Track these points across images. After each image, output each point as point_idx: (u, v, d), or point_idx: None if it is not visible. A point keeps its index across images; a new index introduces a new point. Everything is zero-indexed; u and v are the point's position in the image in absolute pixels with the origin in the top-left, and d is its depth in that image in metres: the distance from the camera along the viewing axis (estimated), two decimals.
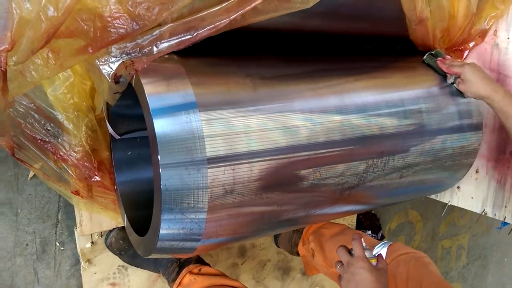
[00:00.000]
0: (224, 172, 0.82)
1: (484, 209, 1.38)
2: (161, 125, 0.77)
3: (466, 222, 2.58)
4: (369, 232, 2.05)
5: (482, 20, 1.29)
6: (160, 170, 0.76)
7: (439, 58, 1.20)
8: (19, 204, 1.22)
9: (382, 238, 2.14)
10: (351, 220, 1.94)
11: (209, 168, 0.80)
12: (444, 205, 1.53)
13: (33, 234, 1.25)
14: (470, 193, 1.41)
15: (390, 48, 1.33)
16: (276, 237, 1.64)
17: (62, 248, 1.30)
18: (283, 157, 0.88)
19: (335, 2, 1.01)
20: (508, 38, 1.30)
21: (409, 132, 1.11)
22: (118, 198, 1.12)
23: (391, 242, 1.18)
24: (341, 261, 0.90)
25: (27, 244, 1.25)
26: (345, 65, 1.08)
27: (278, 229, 1.04)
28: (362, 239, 0.91)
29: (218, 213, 0.85)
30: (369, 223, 2.07)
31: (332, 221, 1.47)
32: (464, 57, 1.38)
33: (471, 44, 1.36)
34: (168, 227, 0.83)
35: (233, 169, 0.82)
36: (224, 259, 1.56)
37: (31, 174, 1.21)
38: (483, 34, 1.33)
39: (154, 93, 0.79)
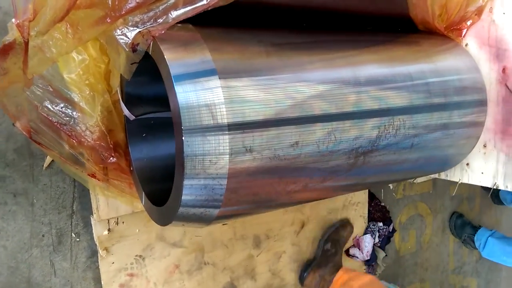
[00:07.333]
0: (243, 138, 0.83)
1: (496, 182, 1.39)
2: (183, 91, 0.79)
3: (476, 216, 2.57)
4: (381, 224, 2.05)
5: None
6: (183, 135, 0.78)
7: None
8: (35, 195, 1.23)
9: (393, 232, 2.14)
10: (363, 212, 1.94)
11: (229, 134, 0.82)
12: (454, 185, 1.55)
13: (49, 225, 1.25)
14: (480, 168, 1.43)
15: (391, 29, 1.37)
16: (302, 278, 1.71)
17: (78, 239, 1.30)
18: (301, 125, 0.90)
19: None
20: (504, 13, 1.35)
21: (417, 104, 1.14)
22: (135, 178, 1.13)
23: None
24: None
25: (43, 235, 1.25)
26: (353, 38, 1.12)
27: (294, 199, 1.05)
28: None
29: (238, 177, 0.86)
30: (380, 215, 2.06)
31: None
32: (462, 35, 1.42)
33: (468, 23, 1.41)
34: (190, 192, 0.84)
35: (252, 135, 0.84)
36: (240, 250, 1.55)
37: (46, 163, 1.22)
38: (479, 11, 1.38)
39: (174, 58, 0.81)
